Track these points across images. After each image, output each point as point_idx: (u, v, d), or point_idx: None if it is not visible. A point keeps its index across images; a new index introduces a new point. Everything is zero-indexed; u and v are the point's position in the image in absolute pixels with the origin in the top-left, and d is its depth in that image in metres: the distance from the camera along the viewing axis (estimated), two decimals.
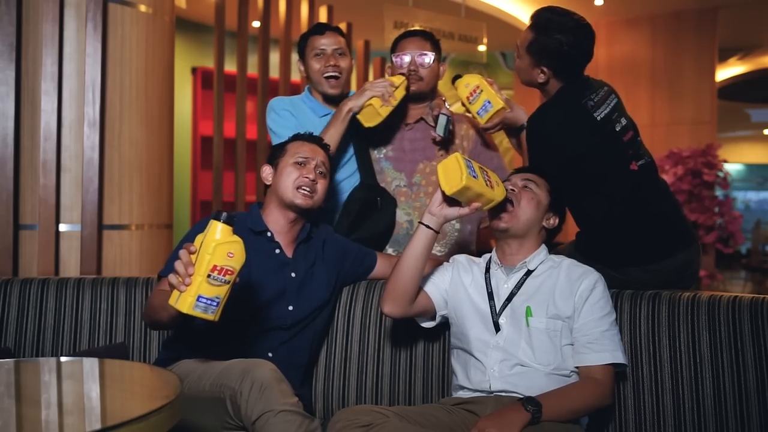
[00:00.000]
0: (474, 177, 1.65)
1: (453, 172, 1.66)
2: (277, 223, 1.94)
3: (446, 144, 2.32)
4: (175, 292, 1.49)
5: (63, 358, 1.80)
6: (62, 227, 2.57)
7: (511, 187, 1.84)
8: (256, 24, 5.17)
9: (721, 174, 6.58)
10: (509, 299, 1.78)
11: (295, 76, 5.55)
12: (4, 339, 2.09)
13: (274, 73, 5.11)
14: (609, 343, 1.70)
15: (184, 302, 1.46)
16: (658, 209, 1.96)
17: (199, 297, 1.46)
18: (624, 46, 7.51)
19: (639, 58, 7.50)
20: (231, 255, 1.48)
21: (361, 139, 2.33)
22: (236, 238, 1.50)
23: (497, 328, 1.76)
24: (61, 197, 2.57)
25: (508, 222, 1.80)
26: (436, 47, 2.34)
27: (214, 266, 1.46)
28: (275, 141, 2.23)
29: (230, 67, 5.60)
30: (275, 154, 1.99)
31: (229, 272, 1.48)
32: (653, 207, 1.96)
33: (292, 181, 1.90)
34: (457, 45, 5.97)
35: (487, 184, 1.69)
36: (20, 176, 2.54)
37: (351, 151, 2.34)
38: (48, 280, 2.17)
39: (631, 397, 1.82)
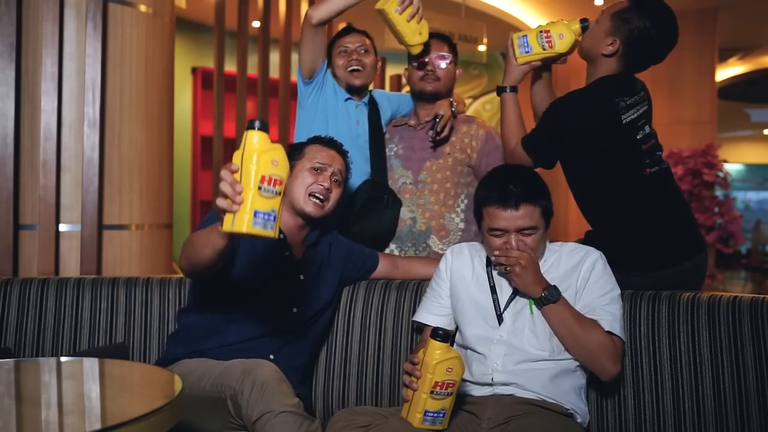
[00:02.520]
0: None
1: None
2: (287, 225, 1.93)
3: (438, 144, 2.33)
4: (228, 216, 1.36)
5: (63, 358, 1.80)
6: (62, 227, 2.57)
7: (507, 258, 1.71)
8: (256, 24, 5.17)
9: (721, 174, 6.59)
10: (514, 294, 1.77)
11: (296, 77, 5.54)
12: (4, 339, 2.09)
13: (274, 73, 5.10)
14: (607, 314, 1.71)
15: (241, 221, 1.34)
16: (671, 216, 1.96)
17: (256, 212, 1.34)
18: None
19: None
20: (276, 163, 1.37)
21: (380, 137, 2.38)
22: (276, 144, 1.39)
23: (500, 321, 1.76)
24: (61, 197, 2.56)
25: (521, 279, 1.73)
26: (453, 50, 2.39)
27: (263, 177, 1.34)
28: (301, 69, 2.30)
29: (230, 67, 5.60)
30: (293, 154, 1.96)
31: (278, 182, 1.36)
32: (665, 213, 1.95)
33: (306, 187, 1.89)
34: (457, 45, 5.97)
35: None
36: (20, 176, 2.53)
37: (366, 147, 2.37)
38: (48, 280, 2.17)
39: (631, 397, 1.82)
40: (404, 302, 2.07)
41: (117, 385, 1.53)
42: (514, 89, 2.11)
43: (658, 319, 1.82)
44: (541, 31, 2.06)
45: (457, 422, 1.66)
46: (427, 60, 2.33)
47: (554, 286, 1.70)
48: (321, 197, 1.89)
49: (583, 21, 2.05)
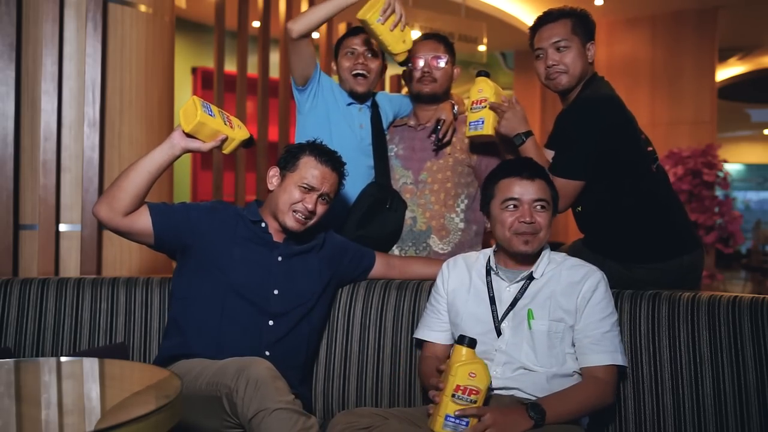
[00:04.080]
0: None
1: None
2: (271, 225, 1.96)
3: (441, 147, 2.32)
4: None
5: (63, 358, 1.80)
6: (62, 227, 2.57)
7: (526, 219, 1.73)
8: (256, 24, 5.17)
9: (721, 174, 6.59)
10: (513, 305, 1.76)
11: None
12: (4, 339, 2.09)
13: (274, 73, 5.11)
14: (609, 345, 1.70)
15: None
16: (675, 209, 2.04)
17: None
18: (624, 46, 7.51)
19: (639, 58, 7.49)
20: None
21: (383, 140, 2.37)
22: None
23: (499, 332, 1.76)
24: (61, 197, 2.56)
25: (534, 246, 1.74)
26: (450, 50, 2.38)
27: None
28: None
29: (230, 67, 5.59)
30: (288, 163, 1.94)
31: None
32: (669, 207, 2.02)
33: (291, 203, 1.89)
34: (457, 45, 5.93)
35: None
36: (20, 176, 2.53)
37: (369, 150, 2.36)
38: (48, 280, 2.17)
39: (631, 397, 1.82)
40: (404, 302, 2.07)
41: (117, 385, 1.53)
42: (528, 134, 2.01)
43: (658, 319, 1.82)
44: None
45: None
46: (423, 61, 2.32)
47: (531, 407, 1.59)
48: (303, 216, 1.89)
49: (480, 72, 2.12)
